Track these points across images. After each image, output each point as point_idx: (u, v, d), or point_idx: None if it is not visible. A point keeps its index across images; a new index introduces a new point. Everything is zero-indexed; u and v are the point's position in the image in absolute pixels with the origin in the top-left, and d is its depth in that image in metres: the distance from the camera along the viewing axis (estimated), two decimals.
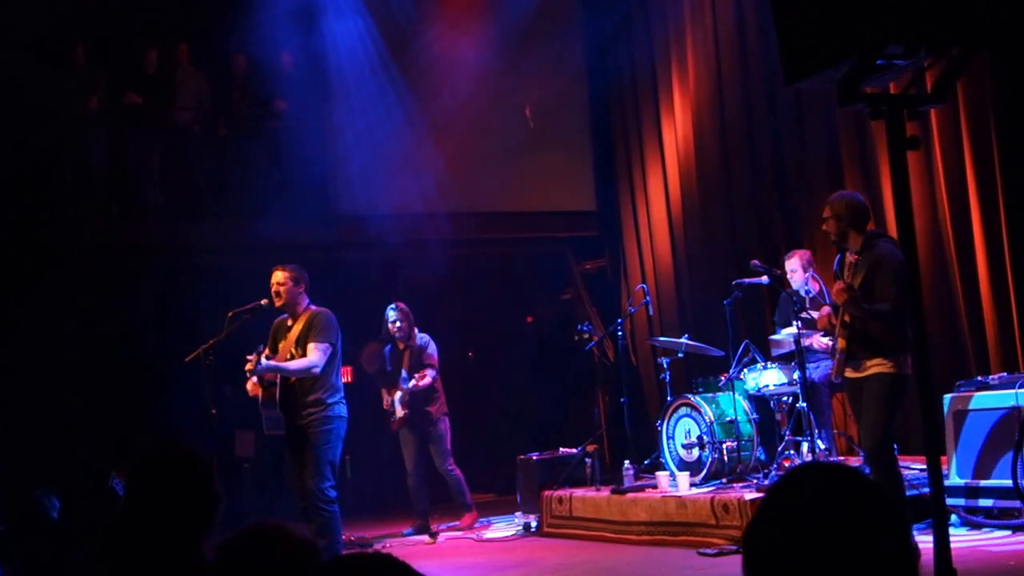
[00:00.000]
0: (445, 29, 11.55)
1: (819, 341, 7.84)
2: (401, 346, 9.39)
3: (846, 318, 6.08)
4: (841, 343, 6.11)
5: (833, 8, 3.25)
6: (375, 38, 11.76)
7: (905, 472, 6.91)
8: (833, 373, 6.35)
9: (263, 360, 6.86)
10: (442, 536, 9.14)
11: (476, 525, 9.48)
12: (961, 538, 6.58)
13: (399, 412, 9.22)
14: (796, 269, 8.01)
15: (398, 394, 9.24)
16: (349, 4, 11.63)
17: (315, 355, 6.93)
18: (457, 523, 9.52)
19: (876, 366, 6.01)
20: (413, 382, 9.15)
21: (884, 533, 1.59)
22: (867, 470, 6.28)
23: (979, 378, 7.20)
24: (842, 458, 8.30)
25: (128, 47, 11.53)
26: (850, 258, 6.16)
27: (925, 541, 4.22)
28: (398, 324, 9.33)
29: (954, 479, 6.96)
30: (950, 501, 6.90)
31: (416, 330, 9.41)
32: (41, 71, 10.42)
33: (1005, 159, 8.04)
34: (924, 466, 5.77)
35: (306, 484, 6.87)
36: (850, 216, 6.12)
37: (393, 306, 9.41)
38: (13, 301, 9.91)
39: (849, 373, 6.15)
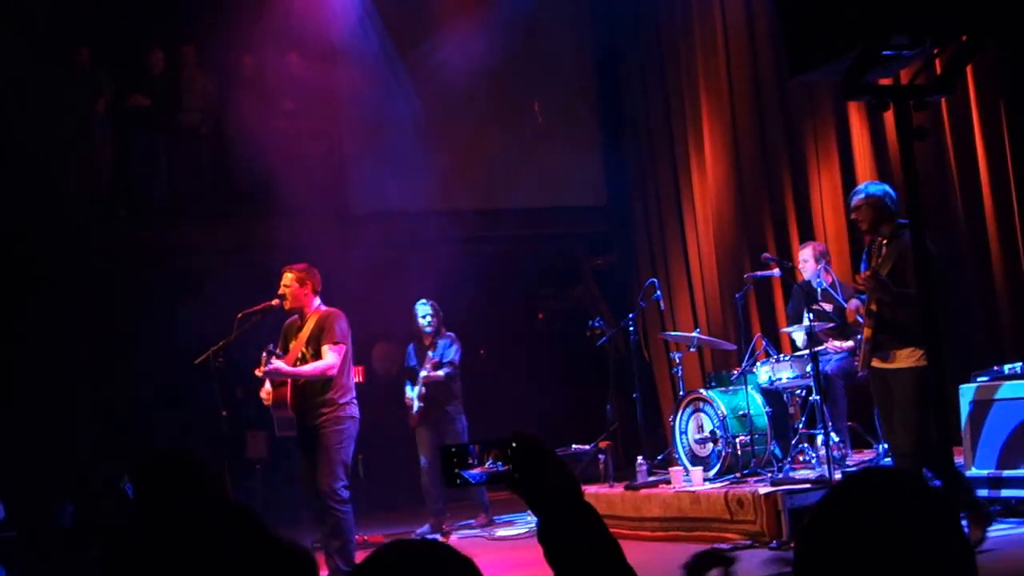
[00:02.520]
0: (452, 25, 11.52)
1: (833, 345, 7.78)
2: (427, 342, 9.36)
3: (873, 307, 5.99)
4: (867, 332, 6.01)
5: None
6: (382, 35, 11.74)
7: None
8: (859, 365, 6.25)
9: (273, 361, 6.84)
10: (454, 535, 9.12)
11: (489, 523, 9.46)
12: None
13: (415, 406, 9.20)
14: (808, 260, 7.95)
15: (415, 388, 9.23)
16: (356, 1, 11.62)
17: (330, 357, 6.91)
18: (471, 521, 9.49)
19: (906, 358, 5.91)
20: (425, 372, 9.13)
21: (933, 533, 1.57)
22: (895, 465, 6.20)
23: (995, 368, 7.12)
24: (854, 451, 8.24)
25: (133, 49, 11.52)
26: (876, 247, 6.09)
27: None
28: (428, 319, 9.30)
29: (972, 470, 6.88)
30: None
31: (444, 329, 9.40)
32: (46, 73, 10.42)
33: (1016, 146, 7.97)
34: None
35: (319, 485, 6.85)
36: (886, 204, 6.05)
37: (424, 301, 9.38)
38: (20, 304, 9.92)
39: (876, 363, 6.05)
